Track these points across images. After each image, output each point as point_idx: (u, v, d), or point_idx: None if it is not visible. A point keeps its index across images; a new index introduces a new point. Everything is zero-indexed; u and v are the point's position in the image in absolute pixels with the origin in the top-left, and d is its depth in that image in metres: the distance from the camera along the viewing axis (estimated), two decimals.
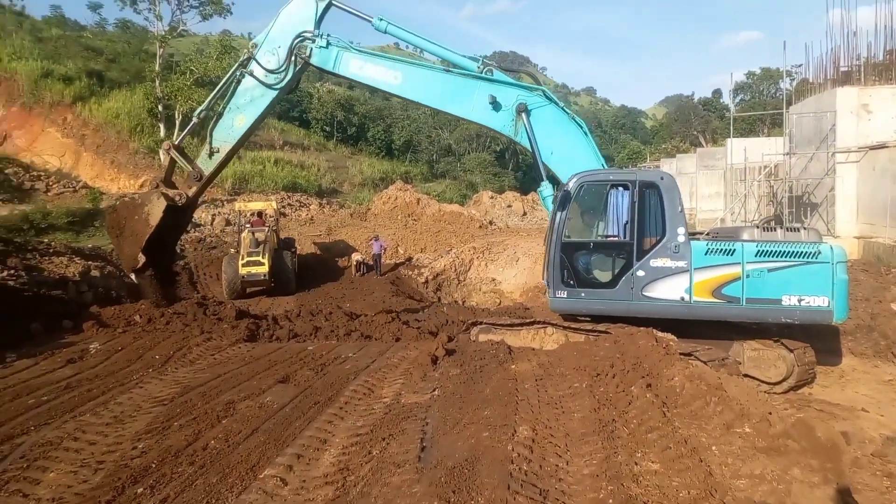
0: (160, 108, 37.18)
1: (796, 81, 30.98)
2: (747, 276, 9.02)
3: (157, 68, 36.98)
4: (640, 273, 9.47)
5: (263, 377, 7.73)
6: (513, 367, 7.71)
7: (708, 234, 10.37)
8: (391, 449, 5.25)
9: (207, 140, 11.41)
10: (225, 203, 36.20)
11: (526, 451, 4.99)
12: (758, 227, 9.76)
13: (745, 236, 9.81)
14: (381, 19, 10.96)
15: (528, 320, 11.19)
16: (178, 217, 11.60)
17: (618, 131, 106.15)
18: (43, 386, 7.40)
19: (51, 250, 18.52)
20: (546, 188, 10.65)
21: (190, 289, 20.71)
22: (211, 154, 11.45)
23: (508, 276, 24.74)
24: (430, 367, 7.94)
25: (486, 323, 11.67)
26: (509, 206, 38.44)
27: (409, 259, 27.18)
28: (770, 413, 5.69)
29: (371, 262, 25.43)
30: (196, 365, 8.50)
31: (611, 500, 4.25)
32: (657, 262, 9.44)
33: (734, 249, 9.16)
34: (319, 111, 63.95)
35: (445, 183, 59.95)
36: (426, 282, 24.92)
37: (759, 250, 9.03)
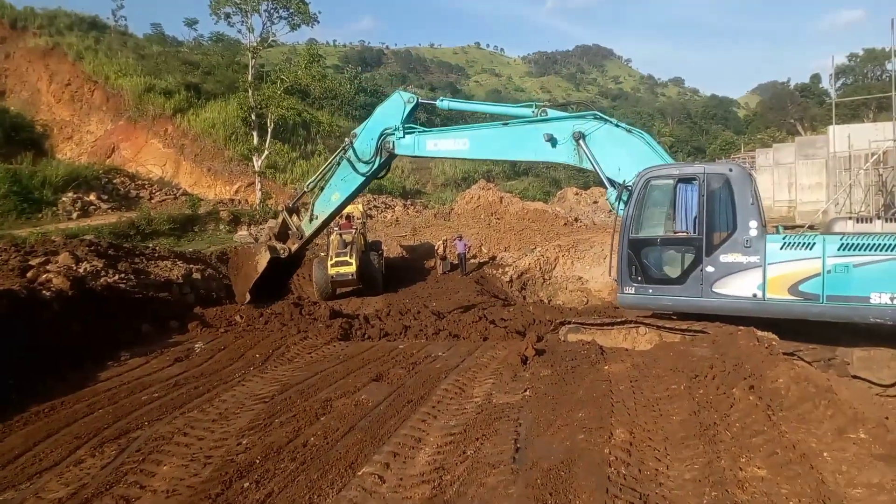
0: (253, 116, 38.80)
1: None
2: (829, 271, 8.51)
3: (249, 78, 38.62)
4: (710, 269, 9.25)
5: (358, 375, 7.94)
6: (606, 367, 7.57)
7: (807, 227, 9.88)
8: (485, 449, 5.27)
9: (310, 208, 13.15)
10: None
11: (624, 455, 4.90)
12: (881, 219, 9.24)
13: (837, 228, 9.29)
14: (443, 99, 12.35)
15: (619, 319, 11.01)
16: (286, 265, 13.49)
17: (708, 122, 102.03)
18: (154, 383, 7.89)
19: (156, 254, 19.68)
20: (612, 193, 10.57)
21: (287, 288, 21.54)
22: (311, 219, 13.15)
23: (595, 275, 24.26)
24: (521, 367, 7.91)
25: (575, 322, 11.56)
26: (595, 202, 37.72)
27: (493, 258, 27.15)
28: (887, 418, 5.34)
29: (455, 261, 25.61)
30: (294, 363, 8.84)
31: None
32: (728, 258, 9.19)
33: (813, 243, 8.67)
34: None
35: (528, 180, 59.59)
36: (510, 281, 24.82)
37: (843, 244, 8.49)
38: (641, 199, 10.06)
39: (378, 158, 12.28)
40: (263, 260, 12.91)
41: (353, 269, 20.34)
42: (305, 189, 13.96)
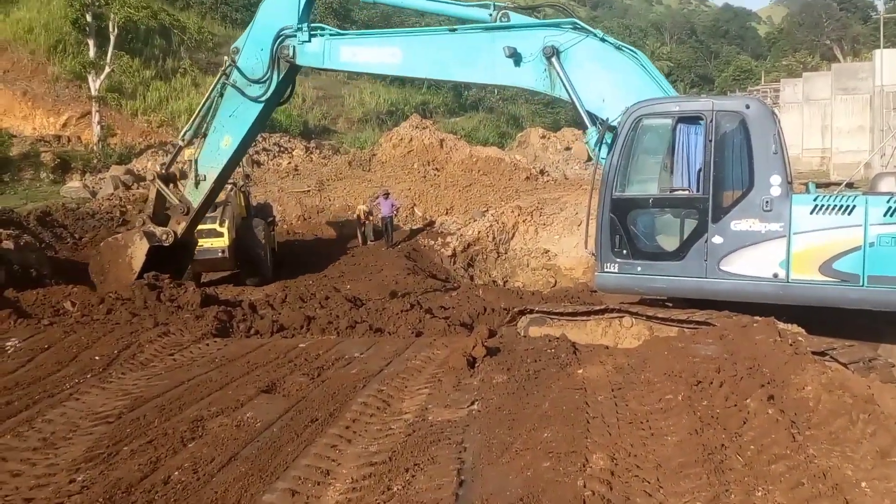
0: (89, 17, 37.36)
1: None
2: (872, 244, 8.84)
3: None
4: (717, 239, 9.53)
5: (241, 385, 7.85)
6: (579, 371, 7.73)
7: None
8: (418, 483, 5.31)
9: (193, 168, 12.93)
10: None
11: (603, 488, 5.01)
12: None
13: (883, 187, 9.68)
14: None
15: (597, 307, 11.26)
16: (176, 250, 13.41)
17: (718, 41, 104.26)
18: None
19: None
20: (593, 134, 10.70)
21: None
22: (197, 183, 12.95)
23: (567, 247, 24.76)
24: (466, 371, 7.99)
25: (538, 311, 11.79)
26: (567, 148, 38.26)
27: (431, 224, 27.31)
28: None
29: (379, 226, 25.58)
30: (150, 369, 8.67)
31: None
32: (741, 225, 9.47)
33: (853, 206, 8.95)
34: None
35: (478, 117, 59.84)
36: (453, 255, 25.07)
37: (891, 208, 8.77)
38: (629, 144, 10.24)
39: (275, 74, 12.09)
40: (140, 251, 12.74)
41: (224, 242, 19.53)
42: (180, 143, 13.76)
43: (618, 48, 10.63)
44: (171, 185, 13.58)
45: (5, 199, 28.49)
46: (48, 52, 42.17)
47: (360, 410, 7.04)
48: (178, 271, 14.47)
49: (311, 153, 40.27)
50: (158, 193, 13.55)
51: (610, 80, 10.65)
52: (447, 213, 28.07)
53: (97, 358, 8.97)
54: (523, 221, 25.94)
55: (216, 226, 19.40)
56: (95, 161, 34.31)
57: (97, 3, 36.90)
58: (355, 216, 25.89)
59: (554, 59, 10.54)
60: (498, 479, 5.27)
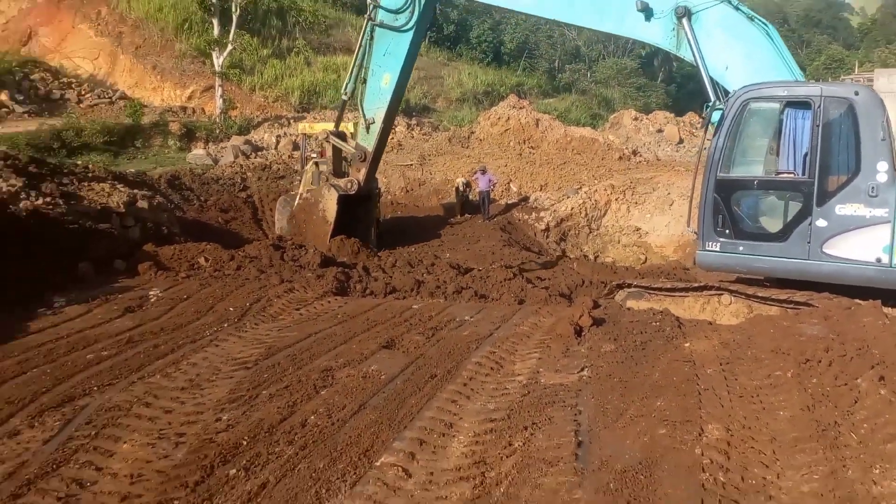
0: None
1: None
2: None
3: None
4: (821, 223, 9.25)
5: (363, 340, 7.99)
6: (686, 345, 7.58)
7: None
8: (537, 441, 5.29)
9: (361, 114, 13.07)
10: (291, 122, 37.13)
11: (720, 458, 4.91)
12: None
13: None
14: None
15: (696, 285, 11.02)
16: (359, 207, 13.77)
17: (811, 31, 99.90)
18: (101, 338, 7.95)
19: (89, 175, 19.61)
20: (717, 109, 10.41)
21: (255, 227, 21.56)
22: (368, 128, 13.09)
23: (658, 226, 24.25)
24: (573, 339, 7.92)
25: (636, 286, 11.60)
26: (660, 130, 37.31)
27: (525, 199, 27.07)
28: None
29: (475, 200, 25.53)
30: (279, 321, 8.91)
31: None
32: (845, 209, 9.15)
33: None
34: None
35: (570, 98, 58.77)
36: (546, 229, 24.81)
37: None
38: (736, 126, 9.98)
39: (416, 3, 12.08)
40: (331, 203, 13.07)
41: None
42: (343, 97, 13.96)
43: (750, 18, 10.26)
44: (344, 142, 13.92)
45: (138, 162, 29.42)
46: (176, 29, 43.19)
47: (475, 370, 7.06)
48: (366, 229, 14.74)
49: (413, 129, 40.33)
50: (335, 149, 13.82)
51: (737, 49, 10.29)
52: (541, 189, 27.73)
53: (231, 309, 9.25)
54: (616, 199, 25.47)
55: None
56: (217, 131, 35.04)
57: None
58: (454, 189, 25.87)
59: (685, 20, 10.25)
60: (615, 442, 5.21)
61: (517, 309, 9.82)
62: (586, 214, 25.18)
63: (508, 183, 28.33)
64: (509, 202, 26.91)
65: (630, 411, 5.76)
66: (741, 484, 4.64)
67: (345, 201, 13.03)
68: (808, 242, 9.50)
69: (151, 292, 9.94)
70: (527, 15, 12.61)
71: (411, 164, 29.39)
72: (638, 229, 24.52)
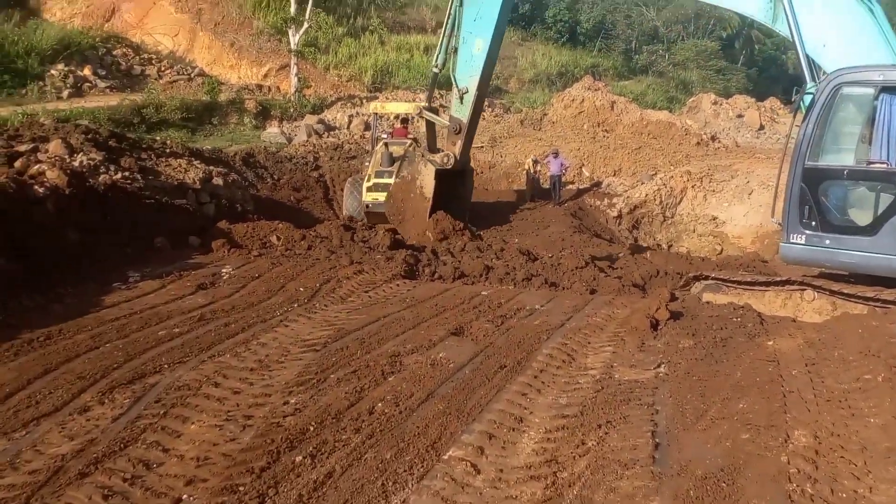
0: None
1: None
2: None
3: None
4: None
5: (431, 326, 7.88)
6: (769, 343, 7.26)
7: None
8: (612, 441, 5.09)
9: (454, 85, 12.98)
10: (364, 102, 37.20)
11: (808, 467, 4.64)
12: None
13: None
14: None
15: (778, 279, 10.61)
16: (455, 183, 13.65)
17: None
18: (174, 315, 8.04)
19: (167, 150, 20.00)
20: (810, 93, 9.96)
21: (325, 207, 21.68)
22: (462, 98, 12.91)
23: (736, 215, 23.51)
24: (649, 333, 7.67)
25: (714, 278, 11.23)
26: (740, 115, 36.18)
27: (598, 184, 26.58)
28: None
29: (546, 184, 25.16)
30: (348, 303, 8.87)
31: None
32: None
33: None
34: None
35: (647, 81, 57.42)
36: (619, 216, 24.31)
37: None
38: (826, 112, 9.56)
39: None
40: (428, 178, 12.96)
41: None
42: (434, 69, 14.04)
43: None
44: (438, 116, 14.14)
45: (214, 139, 29.90)
46: (253, 7, 43.64)
47: (546, 362, 6.87)
48: (462, 205, 14.64)
49: (484, 111, 40.02)
50: (429, 124, 14.01)
51: (837, 25, 9.77)
52: (615, 174, 27.19)
53: (302, 290, 9.25)
54: (692, 187, 24.78)
55: (392, 181, 17.54)
56: (292, 110, 35.33)
57: None
58: (524, 170, 25.52)
59: None
60: (695, 445, 4.98)
61: (590, 299, 9.57)
62: (661, 202, 24.57)
63: (581, 167, 27.86)
64: (581, 187, 26.46)
65: (711, 413, 5.51)
66: (830, 497, 4.36)
67: (441, 177, 12.83)
68: None
69: (224, 269, 10.03)
70: None
71: (482, 147, 29.10)
72: (714, 218, 23.81)
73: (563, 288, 10.98)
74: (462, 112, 12.78)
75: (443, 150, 13.43)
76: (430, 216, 12.98)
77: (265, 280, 9.60)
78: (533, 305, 8.94)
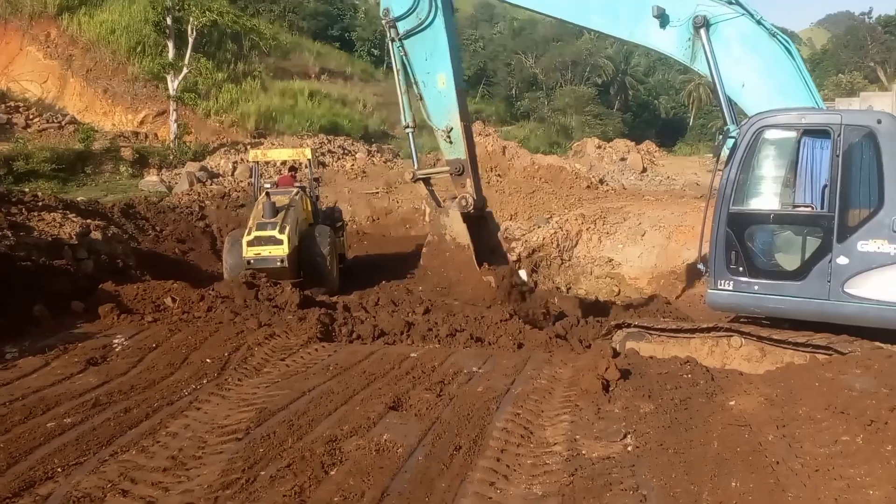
0: (169, 20, 36.88)
1: None
2: None
3: None
4: (842, 260, 8.67)
5: (365, 399, 6.98)
6: (731, 403, 6.77)
7: None
8: None
9: (436, 130, 12.26)
10: (248, 148, 35.93)
11: None
12: None
13: None
14: None
15: (703, 326, 10.32)
16: (479, 233, 12.66)
17: None
18: (63, 400, 6.83)
19: (39, 203, 18.38)
20: (732, 134, 9.92)
21: (214, 259, 20.34)
22: (449, 139, 12.10)
23: (630, 256, 23.62)
24: (602, 395, 7.06)
25: (637, 326, 10.87)
26: (622, 159, 37.03)
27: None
28: None
29: None
30: (264, 375, 7.84)
31: None
32: (868, 246, 8.57)
33: None
34: (367, 29, 63.02)
35: (529, 126, 58.69)
36: (518, 261, 23.99)
37: None
38: (749, 156, 9.45)
39: None
40: (457, 223, 12.09)
41: (283, 251, 15.90)
42: (407, 129, 13.20)
43: (771, 34, 9.67)
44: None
45: (88, 190, 28.11)
46: (128, 52, 41.88)
47: (504, 438, 6.10)
48: (491, 251, 13.59)
49: (373, 156, 39.46)
50: (427, 183, 13.02)
51: (756, 66, 9.74)
52: (511, 218, 27.04)
53: (209, 360, 8.16)
54: (587, 229, 24.81)
55: (275, 233, 16.08)
56: (171, 157, 33.76)
57: (178, 8, 36.41)
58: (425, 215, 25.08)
59: (702, 31, 9.61)
60: None
61: (526, 357, 8.88)
62: (558, 245, 24.45)
63: None
64: None
65: (704, 495, 4.89)
66: None
67: (468, 220, 12.10)
68: (829, 281, 8.97)
69: (116, 340, 8.82)
70: (532, 11, 11.80)
71: (377, 193, 28.44)
72: (610, 260, 23.86)
73: (490, 343, 10.29)
74: (457, 151, 12.10)
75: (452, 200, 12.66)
76: (478, 263, 12.14)
77: (165, 351, 8.44)
78: (470, 368, 8.17)
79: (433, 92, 11.93)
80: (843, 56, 69.57)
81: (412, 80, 12.15)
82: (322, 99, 48.06)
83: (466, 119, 12.39)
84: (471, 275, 12.12)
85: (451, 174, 12.39)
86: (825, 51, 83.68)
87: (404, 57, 11.94)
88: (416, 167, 13.19)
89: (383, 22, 12.03)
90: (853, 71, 61.45)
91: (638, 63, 79.19)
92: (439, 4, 11.57)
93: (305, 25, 59.41)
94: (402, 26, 11.70)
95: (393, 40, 11.88)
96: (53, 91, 40.87)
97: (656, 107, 76.86)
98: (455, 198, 12.45)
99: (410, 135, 13.26)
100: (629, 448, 5.84)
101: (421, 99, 12.25)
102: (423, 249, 13.40)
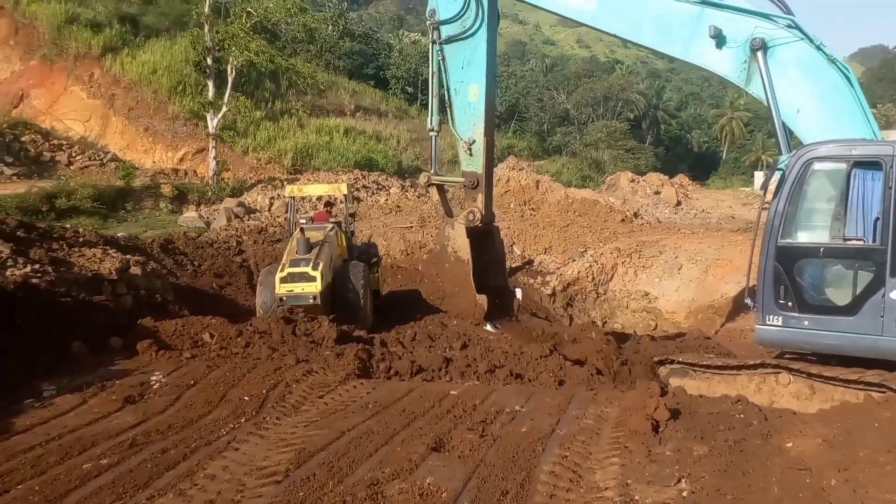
0: (209, 60, 37.41)
1: None
2: None
3: (205, 10, 37.26)
4: None
5: (406, 440, 6.72)
6: (787, 444, 6.41)
7: None
8: None
9: (458, 140, 12.24)
10: (285, 183, 36.12)
11: None
12: None
13: None
14: None
15: (749, 362, 9.95)
16: (486, 244, 12.62)
17: None
18: (100, 440, 6.66)
19: (80, 239, 18.44)
20: (784, 162, 9.61)
21: (250, 293, 20.23)
22: (470, 151, 12.08)
23: (667, 290, 23.19)
24: (652, 437, 6.74)
25: (681, 363, 10.56)
26: (657, 192, 36.63)
27: (530, 262, 26.00)
28: None
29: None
30: (303, 413, 7.61)
31: None
32: None
33: None
34: (401, 67, 63.56)
35: (562, 160, 58.51)
36: (553, 294, 23.72)
37: None
38: (798, 188, 9.15)
39: (478, 4, 11.46)
40: (460, 238, 12.14)
41: (315, 288, 14.91)
42: (432, 133, 13.06)
43: (831, 61, 9.39)
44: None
45: (128, 226, 28.33)
46: (169, 91, 42.55)
47: (552, 483, 5.81)
48: (499, 266, 13.70)
49: (407, 191, 39.50)
50: (440, 190, 12.96)
51: (812, 92, 9.45)
52: (545, 252, 26.72)
53: (247, 398, 7.95)
54: (622, 263, 24.47)
55: (308, 269, 15.16)
56: (210, 193, 34.04)
57: (218, 48, 36.95)
58: None
59: (759, 53, 9.37)
60: None
61: (570, 395, 8.57)
62: (593, 278, 24.13)
63: (512, 245, 27.28)
64: (513, 265, 25.80)
65: None
66: None
67: (474, 235, 12.12)
68: (882, 316, 8.61)
69: (153, 377, 8.65)
70: (585, 25, 11.56)
71: (411, 227, 28.28)
72: (647, 294, 23.45)
73: (530, 380, 9.99)
74: (475, 164, 12.10)
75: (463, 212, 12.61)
76: (479, 274, 12.23)
77: (203, 388, 8.25)
78: (512, 406, 7.88)
79: (463, 102, 11.92)
80: (878, 89, 68.82)
81: (445, 86, 12.14)
82: (357, 135, 48.45)
83: (490, 135, 12.33)
84: (465, 290, 12.28)
85: (464, 186, 12.41)
86: (860, 84, 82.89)
87: (441, 62, 11.96)
88: (433, 171, 13.34)
89: (427, 23, 12.06)
90: (888, 103, 60.63)
91: (670, 98, 79.09)
92: (486, 16, 11.55)
93: (341, 65, 60.09)
94: (446, 31, 11.76)
95: (434, 42, 11.90)
96: (96, 129, 41.57)
97: (688, 141, 76.46)
98: (467, 211, 12.58)
99: (434, 138, 13.23)
100: (684, 493, 5.53)
101: (450, 106, 12.24)
102: (425, 256, 13.52)
